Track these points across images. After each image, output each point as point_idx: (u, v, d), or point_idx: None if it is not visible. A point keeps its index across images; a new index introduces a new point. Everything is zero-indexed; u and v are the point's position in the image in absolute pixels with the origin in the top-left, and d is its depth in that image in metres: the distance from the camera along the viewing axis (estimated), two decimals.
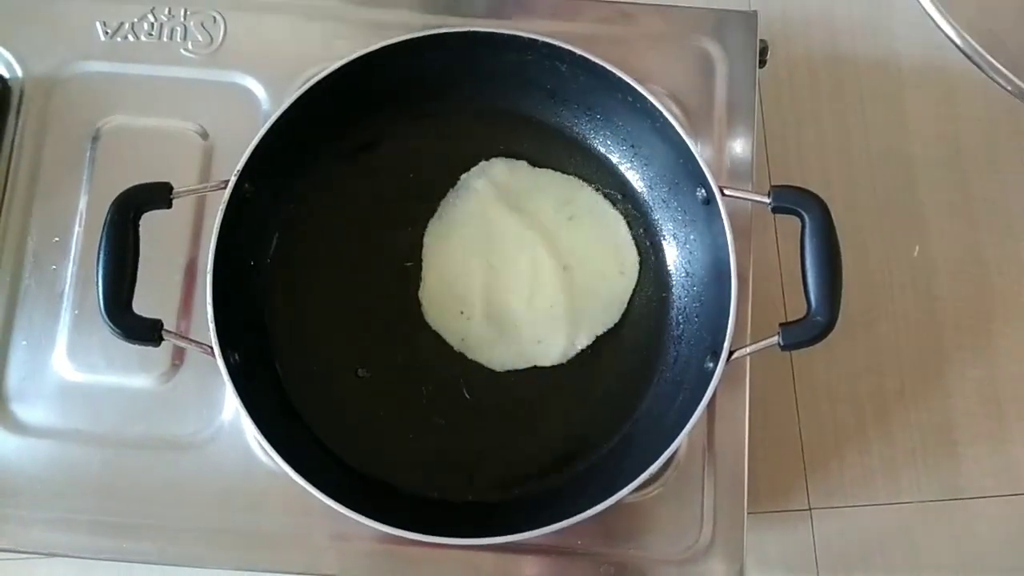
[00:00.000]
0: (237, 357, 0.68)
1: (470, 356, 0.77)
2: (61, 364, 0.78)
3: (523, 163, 0.81)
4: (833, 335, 1.02)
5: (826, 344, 0.69)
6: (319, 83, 0.72)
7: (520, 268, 0.79)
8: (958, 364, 1.04)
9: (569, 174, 0.81)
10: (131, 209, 0.66)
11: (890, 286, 1.06)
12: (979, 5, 0.73)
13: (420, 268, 0.79)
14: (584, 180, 0.81)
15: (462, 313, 0.78)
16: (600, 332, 0.78)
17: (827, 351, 1.02)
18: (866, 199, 1.06)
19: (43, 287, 0.80)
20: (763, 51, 0.85)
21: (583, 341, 0.78)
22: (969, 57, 0.69)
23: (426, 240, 0.80)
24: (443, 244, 0.80)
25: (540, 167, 0.81)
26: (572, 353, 0.77)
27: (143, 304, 0.77)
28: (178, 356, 0.78)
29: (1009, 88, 0.69)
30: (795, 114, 1.10)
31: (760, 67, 0.85)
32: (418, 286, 0.79)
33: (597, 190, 0.81)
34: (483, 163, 0.81)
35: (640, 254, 0.80)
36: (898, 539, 1.00)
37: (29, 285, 0.80)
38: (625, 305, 0.78)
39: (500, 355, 0.78)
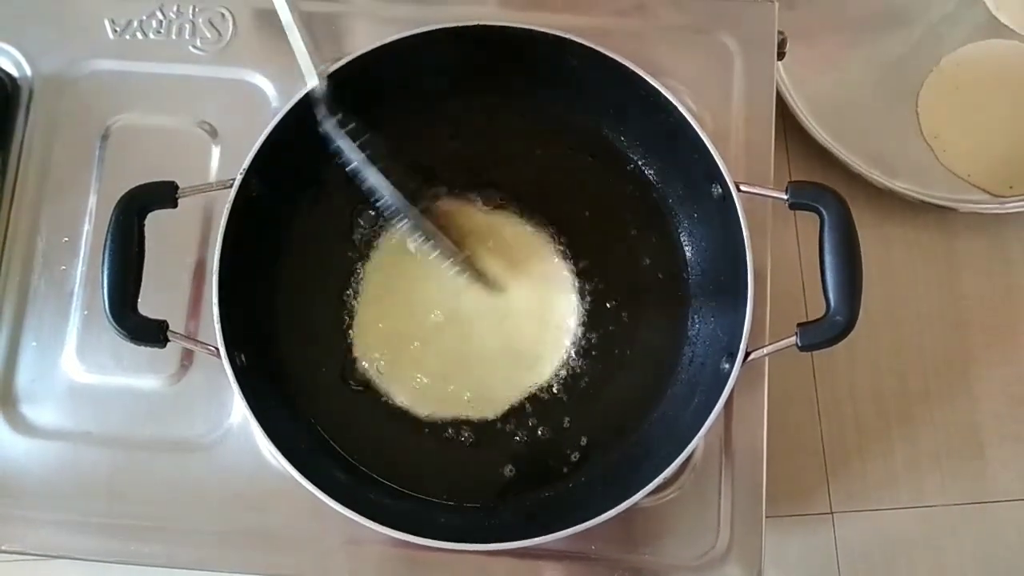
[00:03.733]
0: (244, 358, 0.67)
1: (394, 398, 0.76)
2: (71, 365, 0.77)
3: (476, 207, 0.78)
4: (856, 334, 1.00)
5: (848, 343, 0.67)
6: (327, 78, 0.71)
7: (460, 318, 0.77)
8: (984, 364, 1.01)
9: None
10: (136, 209, 0.65)
11: (915, 283, 1.04)
12: None
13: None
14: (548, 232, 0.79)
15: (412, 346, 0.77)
16: (532, 390, 0.76)
17: (849, 350, 1.01)
18: (889, 193, 1.03)
19: (52, 287, 0.79)
20: (782, 43, 0.83)
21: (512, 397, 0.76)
22: None
23: (368, 270, 0.78)
24: (381, 277, 0.78)
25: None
26: (498, 412, 0.75)
27: (152, 304, 0.76)
28: (187, 357, 0.77)
29: None
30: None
31: (779, 59, 0.83)
32: None
33: (555, 247, 0.78)
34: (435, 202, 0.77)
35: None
36: (922, 543, 0.98)
37: (39, 286, 0.79)
38: (553, 368, 0.76)
39: (425, 403, 0.76)
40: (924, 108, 1.06)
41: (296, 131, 0.71)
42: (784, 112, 1.04)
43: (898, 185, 1.02)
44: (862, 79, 1.08)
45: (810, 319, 0.66)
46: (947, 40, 1.08)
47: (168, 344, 0.65)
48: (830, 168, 1.03)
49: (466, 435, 0.75)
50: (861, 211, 1.04)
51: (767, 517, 0.74)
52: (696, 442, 0.64)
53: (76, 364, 0.77)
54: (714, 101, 0.81)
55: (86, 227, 0.80)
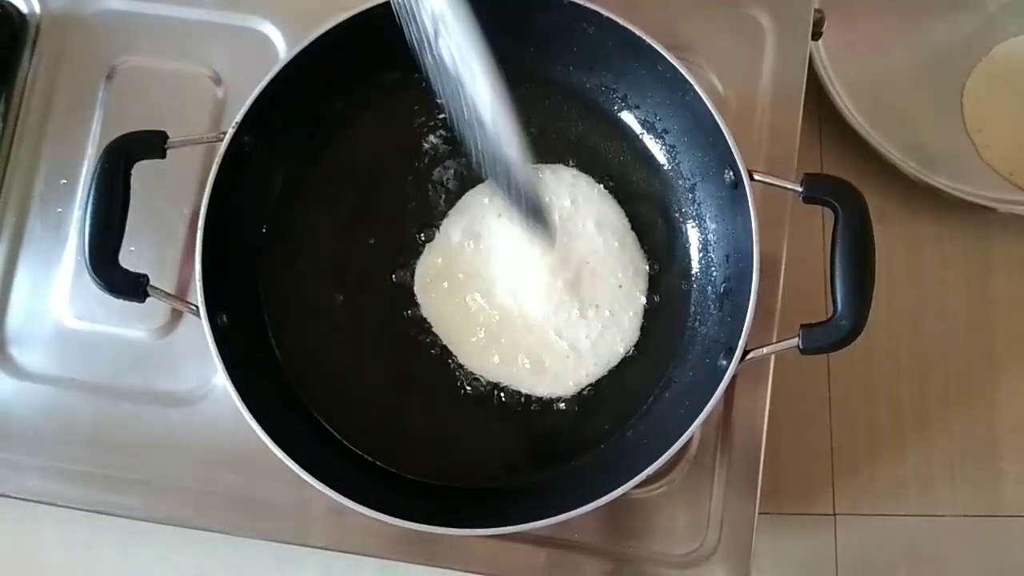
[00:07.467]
0: (225, 319, 0.65)
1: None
2: (61, 310, 0.76)
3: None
4: (876, 332, 0.96)
5: (867, 342, 0.63)
6: (332, 30, 0.68)
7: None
8: (1010, 374, 0.97)
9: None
10: (122, 158, 0.63)
11: (943, 283, 0.99)
12: None
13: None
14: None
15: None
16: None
17: (868, 348, 0.97)
18: (925, 188, 0.98)
19: (48, 230, 0.78)
20: (818, 22, 0.79)
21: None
22: None
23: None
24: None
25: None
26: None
27: (146, 253, 0.75)
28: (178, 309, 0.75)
29: None
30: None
31: (815, 39, 0.79)
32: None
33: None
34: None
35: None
36: (926, 554, 0.94)
37: (34, 227, 0.78)
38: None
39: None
40: (970, 100, 1.00)
41: (297, 85, 0.68)
42: (820, 95, 0.99)
43: (935, 179, 0.96)
44: (906, 65, 1.02)
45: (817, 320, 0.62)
46: (1001, 28, 1.02)
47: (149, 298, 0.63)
48: (864, 157, 0.98)
49: (453, 409, 0.72)
50: (893, 204, 1.00)
51: (765, 513, 0.71)
52: (683, 440, 0.61)
53: (66, 309, 0.76)
54: (741, 81, 0.77)
55: (84, 171, 0.79)
